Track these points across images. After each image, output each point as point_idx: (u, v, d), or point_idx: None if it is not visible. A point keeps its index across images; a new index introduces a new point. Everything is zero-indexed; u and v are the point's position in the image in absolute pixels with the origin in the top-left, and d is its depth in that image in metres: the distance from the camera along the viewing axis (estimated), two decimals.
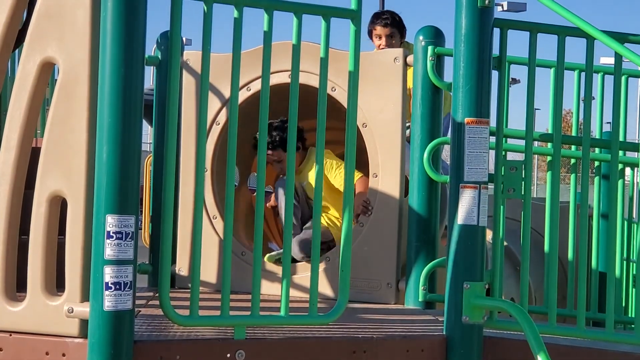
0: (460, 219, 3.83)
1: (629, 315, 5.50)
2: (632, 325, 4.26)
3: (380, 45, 6.07)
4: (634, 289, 5.74)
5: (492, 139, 3.97)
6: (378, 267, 5.01)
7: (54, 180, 3.39)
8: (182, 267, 5.30)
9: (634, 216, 5.75)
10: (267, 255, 5.21)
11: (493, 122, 3.94)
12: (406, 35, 6.15)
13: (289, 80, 3.73)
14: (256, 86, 5.21)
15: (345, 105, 3.74)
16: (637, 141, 4.23)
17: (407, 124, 5.10)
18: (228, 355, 3.50)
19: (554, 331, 3.96)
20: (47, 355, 3.37)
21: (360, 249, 4.98)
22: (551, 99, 4.51)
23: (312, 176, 5.44)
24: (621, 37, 3.92)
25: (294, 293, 4.88)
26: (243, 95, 5.20)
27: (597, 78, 5.24)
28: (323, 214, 5.45)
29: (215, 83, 5.21)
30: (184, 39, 5.65)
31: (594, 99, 4.49)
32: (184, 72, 5.33)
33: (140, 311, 4.21)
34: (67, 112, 3.38)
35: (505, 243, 4.16)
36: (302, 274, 5.04)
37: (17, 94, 3.52)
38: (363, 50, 3.90)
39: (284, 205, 5.00)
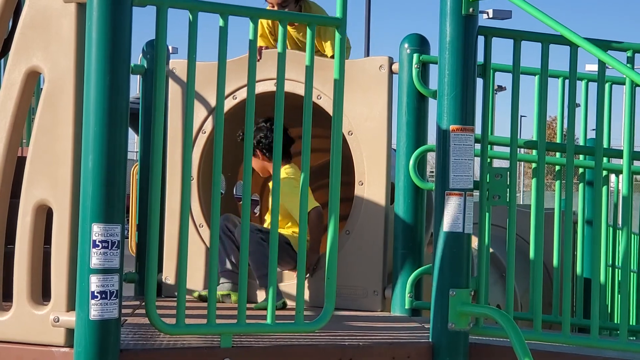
0: (446, 226, 3.84)
1: (614, 322, 5.52)
2: (617, 332, 4.27)
3: (273, 5, 5.63)
4: (618, 295, 5.76)
5: (477, 146, 3.98)
6: (364, 275, 5.01)
7: (40, 190, 3.38)
8: (168, 275, 5.30)
9: (618, 223, 5.77)
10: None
11: (478, 129, 3.95)
12: None
13: (274, 89, 3.74)
14: (242, 94, 5.22)
15: (331, 113, 3.75)
16: (621, 148, 4.25)
17: None
18: None
19: (540, 337, 3.97)
20: None
21: (347, 257, 4.98)
22: (536, 106, 4.53)
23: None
24: (604, 45, 3.94)
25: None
26: (229, 103, 5.20)
27: (581, 85, 5.26)
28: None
29: (201, 92, 5.22)
30: (169, 47, 5.63)
31: (578, 106, 4.50)
32: (170, 81, 5.33)
33: (126, 320, 4.20)
34: (53, 121, 3.37)
35: (490, 250, 4.17)
36: (289, 282, 5.04)
37: (2, 104, 3.51)
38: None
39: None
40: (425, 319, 4.57)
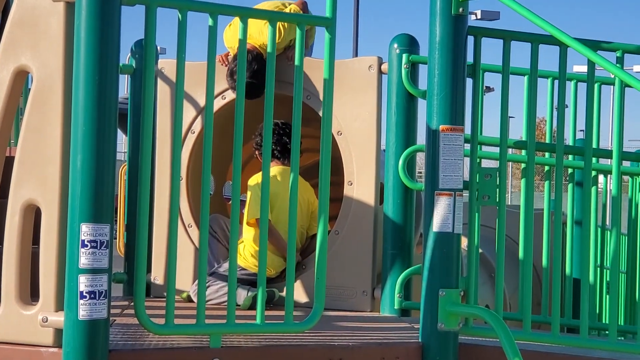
0: (435, 226, 3.84)
1: (603, 322, 5.53)
2: (606, 332, 4.28)
3: None
4: (607, 296, 5.77)
5: (467, 147, 3.98)
6: (354, 275, 5.01)
7: (28, 189, 3.37)
8: (157, 275, 5.28)
9: (607, 223, 5.78)
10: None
11: (468, 129, 3.95)
12: None
13: None
14: (231, 95, 5.21)
15: (320, 113, 3.74)
16: (610, 148, 4.26)
17: None
18: None
19: (529, 337, 3.98)
20: None
21: (336, 257, 4.98)
22: (525, 106, 4.53)
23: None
24: (594, 45, 3.95)
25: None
26: (218, 103, 5.19)
27: (570, 86, 5.27)
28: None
29: (190, 91, 5.21)
30: (158, 47, 5.60)
31: (567, 106, 4.50)
32: (159, 81, 5.32)
33: (115, 320, 4.19)
34: (41, 121, 3.36)
35: (480, 250, 4.17)
36: (278, 282, 5.04)
37: None
38: None
39: None
40: (414, 319, 4.57)
